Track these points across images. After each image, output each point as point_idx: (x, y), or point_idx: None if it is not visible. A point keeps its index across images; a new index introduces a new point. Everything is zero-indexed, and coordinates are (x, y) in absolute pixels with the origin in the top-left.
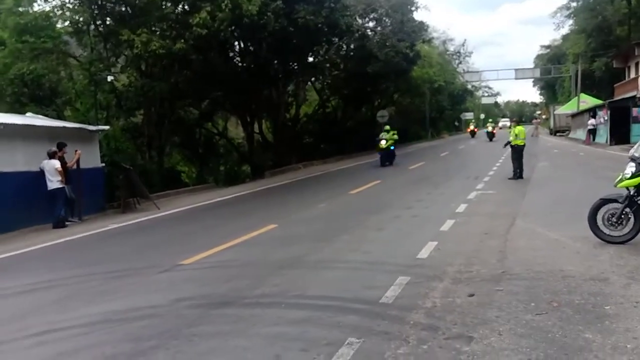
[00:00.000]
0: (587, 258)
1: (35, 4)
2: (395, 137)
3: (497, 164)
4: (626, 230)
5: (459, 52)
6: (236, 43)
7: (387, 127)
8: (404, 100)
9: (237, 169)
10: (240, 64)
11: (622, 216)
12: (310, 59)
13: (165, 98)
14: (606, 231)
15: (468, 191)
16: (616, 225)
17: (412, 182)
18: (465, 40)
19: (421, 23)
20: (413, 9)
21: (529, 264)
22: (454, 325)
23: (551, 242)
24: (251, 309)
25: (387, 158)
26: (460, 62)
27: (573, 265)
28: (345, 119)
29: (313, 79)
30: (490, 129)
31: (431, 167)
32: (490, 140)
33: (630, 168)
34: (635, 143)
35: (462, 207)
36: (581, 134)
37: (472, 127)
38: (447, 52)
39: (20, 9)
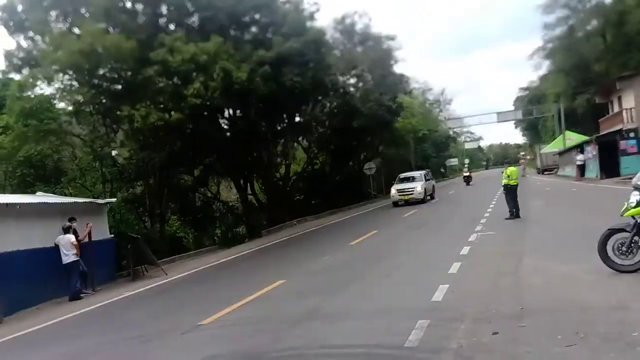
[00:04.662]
0: (603, 289)
1: (37, 88)
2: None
3: (491, 206)
4: (637, 258)
5: (438, 100)
6: (226, 109)
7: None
8: (390, 151)
9: (233, 230)
10: (230, 129)
11: (632, 244)
12: (297, 119)
13: (163, 167)
14: (617, 261)
15: (468, 234)
16: (627, 254)
17: (409, 229)
18: (444, 88)
19: (401, 75)
20: (392, 62)
21: (546, 299)
22: None
23: (563, 276)
24: None
25: None
26: (441, 110)
27: (590, 296)
28: (333, 173)
29: (300, 137)
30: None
31: (425, 214)
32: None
33: (635, 197)
34: (625, 175)
35: (465, 250)
36: (570, 170)
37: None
38: (428, 102)
39: (24, 94)
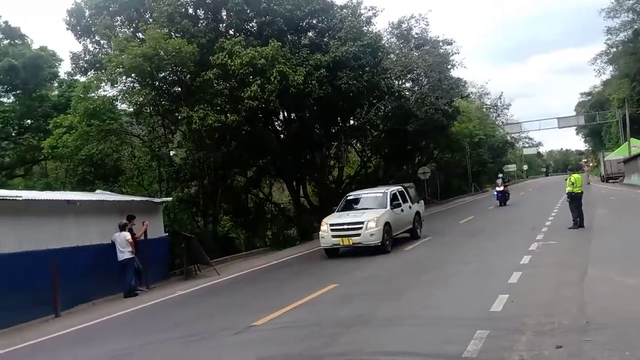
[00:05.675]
0: None
1: (101, 90)
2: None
3: (552, 214)
4: None
5: (496, 105)
6: (281, 112)
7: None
8: (445, 156)
9: (284, 232)
10: (284, 132)
11: None
12: (351, 122)
13: (217, 168)
14: None
15: (528, 242)
16: None
17: (465, 236)
18: (502, 93)
19: (458, 79)
20: (449, 66)
21: (613, 312)
22: None
23: (631, 288)
24: None
25: None
26: (498, 115)
27: None
28: (387, 177)
29: (354, 140)
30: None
31: (482, 221)
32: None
33: None
34: None
35: (526, 259)
36: (637, 179)
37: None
38: (485, 106)
39: (89, 95)
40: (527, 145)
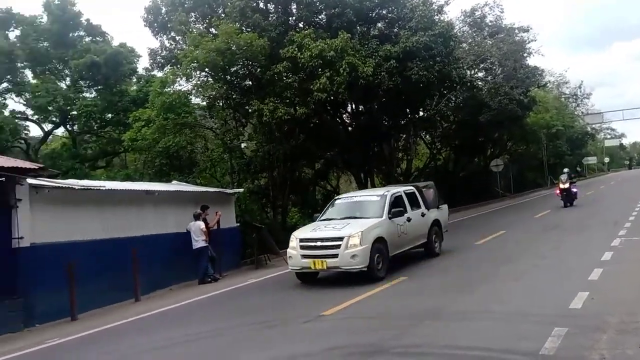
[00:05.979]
0: None
1: (176, 85)
2: None
3: (636, 209)
4: None
5: (575, 94)
6: (349, 104)
7: None
8: (519, 147)
9: None
10: (352, 124)
11: None
12: (421, 113)
13: (286, 160)
14: None
15: (610, 238)
16: None
17: (541, 230)
18: (582, 82)
19: (535, 68)
20: (525, 54)
21: None
22: None
23: None
24: (404, 358)
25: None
26: (578, 105)
27: None
28: (457, 170)
29: (423, 132)
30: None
31: (559, 215)
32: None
33: None
34: None
35: (607, 255)
36: None
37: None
38: (563, 95)
39: (165, 90)
40: (609, 136)
